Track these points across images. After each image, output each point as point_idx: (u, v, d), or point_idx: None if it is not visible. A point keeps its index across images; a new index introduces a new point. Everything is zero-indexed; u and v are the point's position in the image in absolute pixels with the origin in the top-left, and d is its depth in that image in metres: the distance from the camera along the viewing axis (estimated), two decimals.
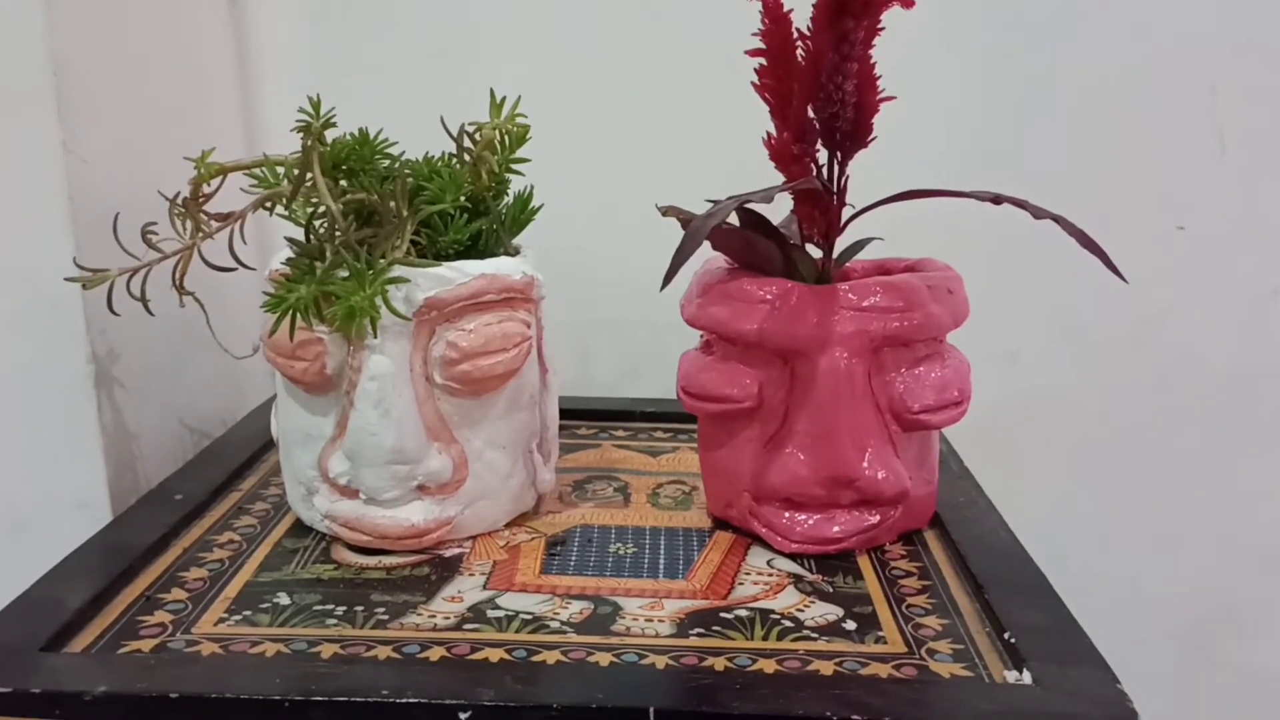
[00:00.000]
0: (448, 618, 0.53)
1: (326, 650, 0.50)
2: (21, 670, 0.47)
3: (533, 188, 0.64)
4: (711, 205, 0.55)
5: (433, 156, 0.64)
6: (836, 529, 0.60)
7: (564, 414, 0.69)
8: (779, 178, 0.60)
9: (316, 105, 0.59)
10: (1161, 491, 0.92)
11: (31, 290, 0.68)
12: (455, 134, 0.63)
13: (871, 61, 0.55)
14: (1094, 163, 0.86)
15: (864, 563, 0.60)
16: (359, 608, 0.54)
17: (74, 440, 0.70)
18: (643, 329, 0.91)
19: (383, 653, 0.49)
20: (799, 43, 0.56)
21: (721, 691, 0.46)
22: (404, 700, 0.45)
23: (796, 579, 0.58)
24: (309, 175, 0.59)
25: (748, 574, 0.59)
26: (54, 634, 0.50)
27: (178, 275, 0.64)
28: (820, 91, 0.55)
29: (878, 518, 0.60)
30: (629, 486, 0.71)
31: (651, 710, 0.44)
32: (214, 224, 0.62)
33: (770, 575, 0.59)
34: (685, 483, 0.72)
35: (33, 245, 0.68)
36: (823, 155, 0.58)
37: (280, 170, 0.62)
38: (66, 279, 0.61)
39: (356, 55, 0.89)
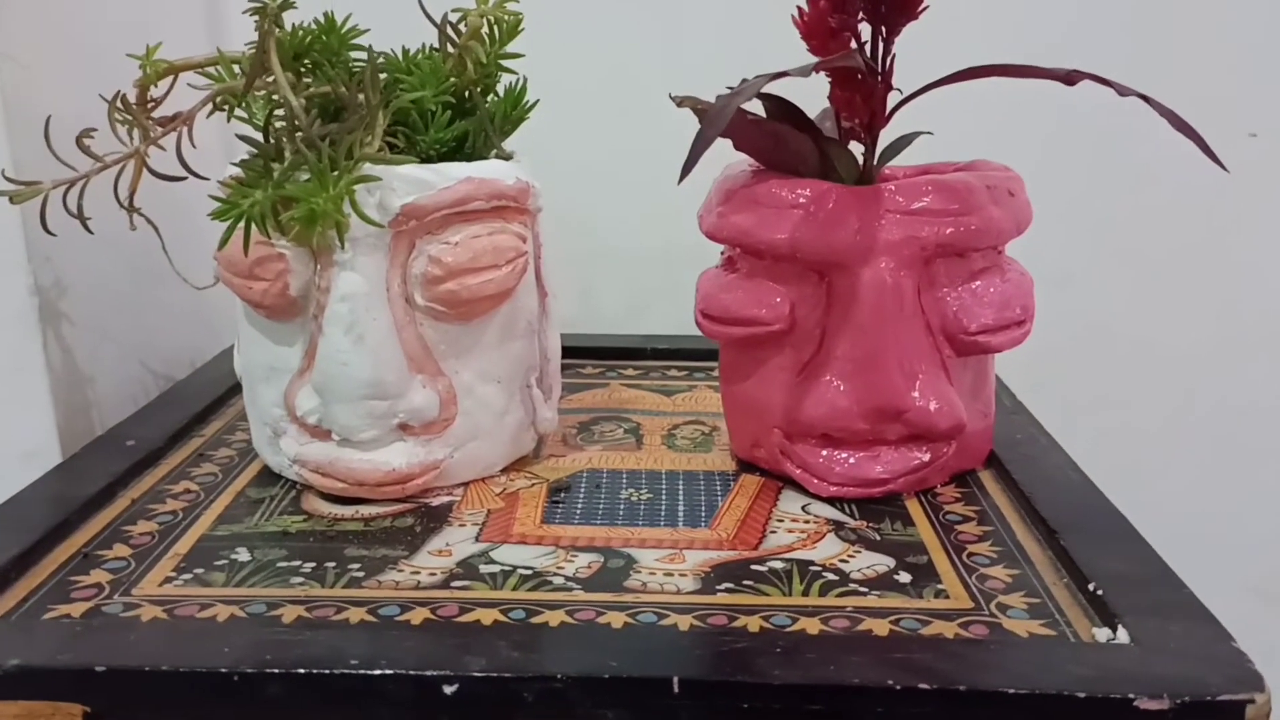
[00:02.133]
0: (433, 574, 0.46)
1: (289, 614, 0.42)
2: None
3: (525, 81, 0.56)
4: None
5: (411, 50, 0.55)
6: (880, 469, 0.52)
7: (566, 352, 0.61)
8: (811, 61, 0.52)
9: None
10: (1230, 429, 0.84)
11: None
12: (437, 22, 0.55)
13: None
14: (1157, 60, 0.77)
15: (913, 507, 0.52)
16: (330, 564, 0.46)
17: (17, 383, 0.62)
18: (652, 258, 0.82)
19: (355, 615, 0.42)
20: None
21: (759, 657, 0.38)
22: (376, 672, 0.37)
23: (837, 526, 0.50)
24: (266, 69, 0.51)
25: (780, 521, 0.51)
26: None
27: (128, 191, 0.56)
28: None
29: (928, 455, 0.52)
30: (641, 428, 0.63)
31: (675, 680, 0.37)
32: (159, 129, 0.54)
33: (807, 522, 0.51)
34: (704, 423, 0.64)
35: None
36: (864, 31, 0.50)
37: (236, 67, 0.54)
38: None
39: None
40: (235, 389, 0.67)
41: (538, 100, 0.56)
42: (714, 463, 0.58)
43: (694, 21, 0.80)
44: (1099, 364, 0.84)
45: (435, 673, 0.37)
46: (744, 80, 0.46)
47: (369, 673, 0.37)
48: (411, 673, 0.37)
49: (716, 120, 0.43)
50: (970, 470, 0.56)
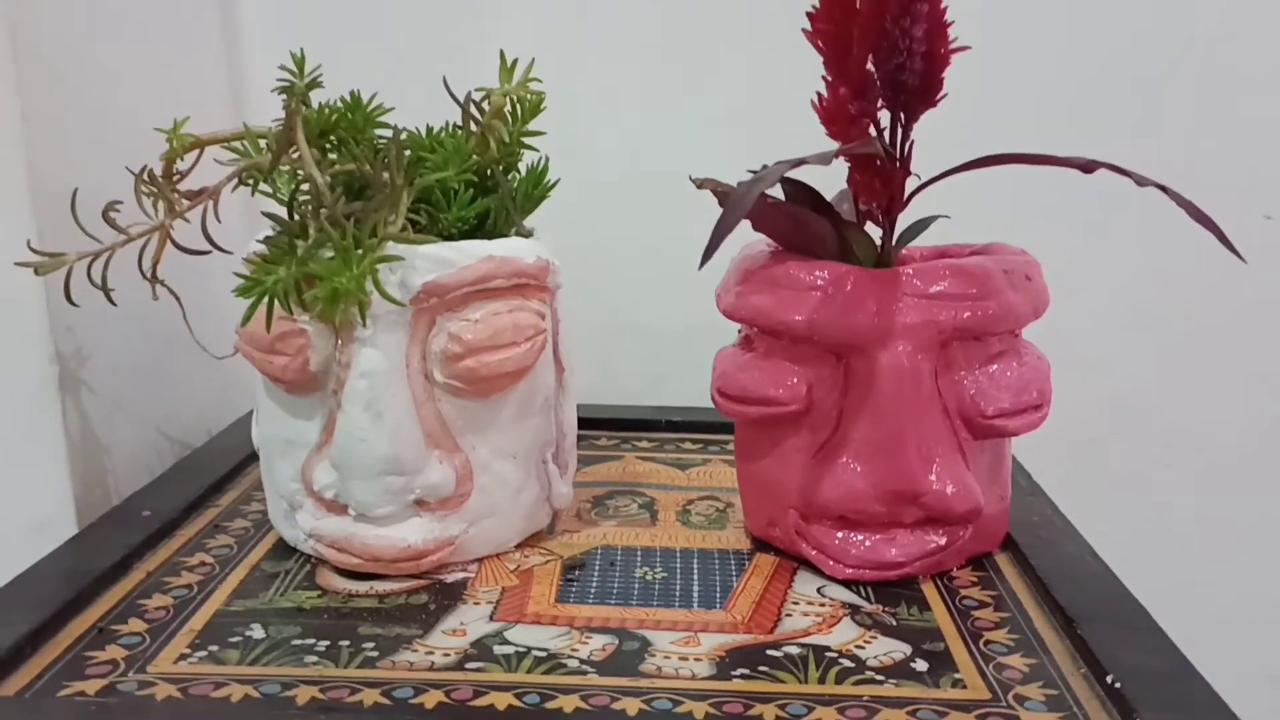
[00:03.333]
0: (447, 655, 0.45)
1: (303, 695, 0.42)
2: None
3: (547, 160, 0.56)
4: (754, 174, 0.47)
5: (435, 129, 0.56)
6: (896, 552, 0.52)
7: (582, 423, 0.61)
8: (830, 146, 0.52)
9: (300, 62, 0.51)
10: (1252, 514, 0.83)
11: None
12: (461, 100, 0.56)
13: (943, 4, 0.47)
14: (1174, 144, 0.77)
15: (929, 590, 0.52)
16: (344, 642, 0.46)
17: (34, 451, 0.63)
18: (670, 330, 0.83)
19: (369, 697, 0.42)
20: None
21: None
22: None
23: (853, 609, 0.50)
24: (292, 145, 0.51)
25: (795, 603, 0.51)
26: None
27: (150, 262, 0.56)
28: (884, 39, 0.47)
29: (944, 539, 0.52)
30: (656, 503, 0.63)
31: None
32: (185, 202, 0.54)
33: (822, 605, 0.51)
34: (719, 499, 0.64)
35: None
36: (884, 117, 0.50)
37: (263, 143, 0.55)
38: (18, 264, 0.53)
39: (351, 12, 0.81)
40: (251, 458, 0.67)
41: (559, 179, 0.57)
42: (728, 541, 0.58)
43: (715, 99, 0.81)
44: (1118, 445, 0.83)
45: None
46: (765, 166, 0.47)
47: None
48: None
49: (738, 207, 0.43)
50: (987, 553, 0.56)
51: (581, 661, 0.45)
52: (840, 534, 0.52)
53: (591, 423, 0.73)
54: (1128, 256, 0.76)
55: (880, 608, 0.50)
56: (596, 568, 0.54)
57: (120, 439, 0.68)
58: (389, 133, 0.54)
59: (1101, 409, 0.81)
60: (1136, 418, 0.83)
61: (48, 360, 0.62)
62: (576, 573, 0.54)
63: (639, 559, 0.55)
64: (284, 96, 0.51)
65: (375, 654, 0.45)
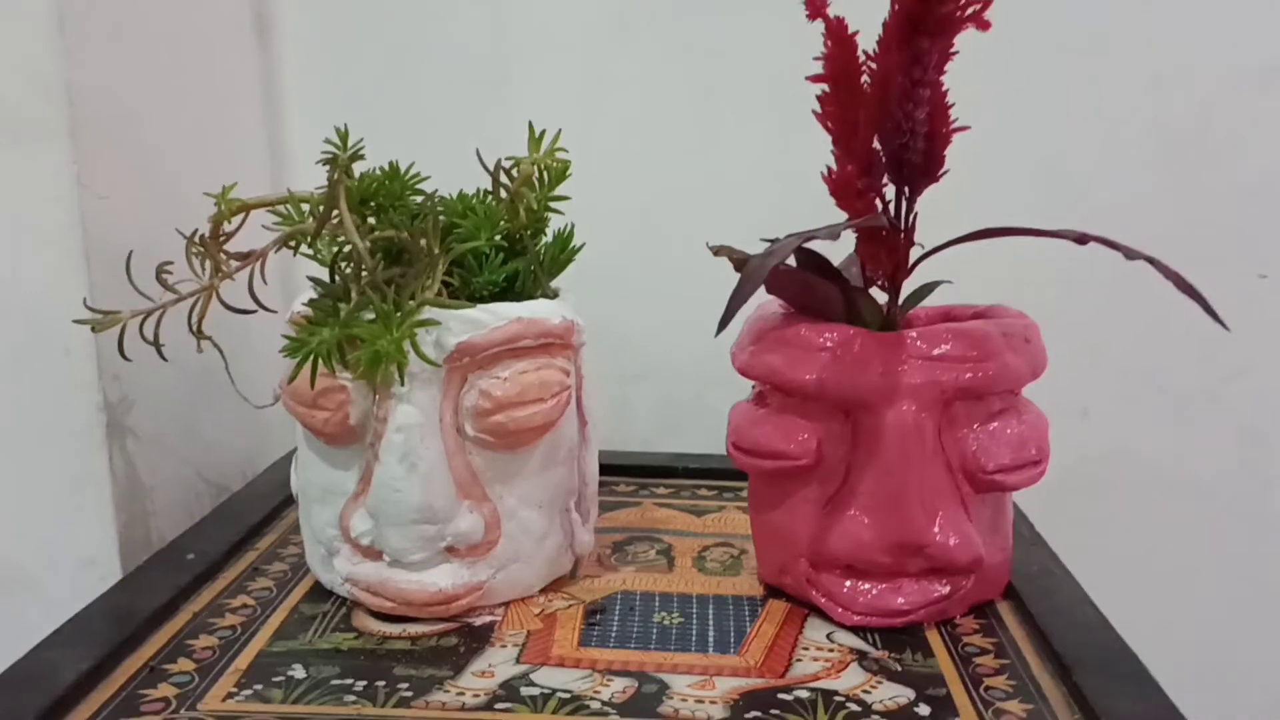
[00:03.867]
0: (477, 695, 0.48)
1: None
2: None
3: (573, 226, 0.60)
4: (768, 244, 0.50)
5: (467, 193, 0.60)
6: (902, 600, 0.55)
7: (602, 469, 0.64)
8: (837, 215, 0.55)
9: (344, 136, 0.55)
10: (1252, 561, 0.86)
11: (41, 333, 0.65)
12: (491, 169, 0.59)
13: (944, 88, 0.51)
14: (1171, 206, 0.81)
15: (933, 637, 0.55)
16: (380, 683, 0.49)
17: (83, 493, 0.66)
18: (685, 380, 0.86)
19: None
20: (865, 66, 0.51)
21: None
22: None
23: (860, 655, 0.53)
24: (335, 211, 0.55)
25: (806, 649, 0.53)
26: (46, 709, 0.45)
27: (195, 318, 0.60)
28: (888, 120, 0.50)
29: (948, 588, 0.55)
30: (672, 549, 0.66)
31: None
32: (233, 264, 0.58)
33: (831, 650, 0.53)
34: (733, 545, 0.66)
35: (44, 285, 0.64)
36: (889, 191, 0.54)
37: (305, 207, 0.58)
38: (76, 321, 0.57)
39: (388, 86, 0.86)
40: (286, 503, 0.70)
41: (584, 244, 0.60)
42: (742, 587, 0.61)
43: (730, 165, 0.84)
44: (1119, 493, 0.86)
45: None
46: (777, 239, 0.50)
47: None
48: None
49: (752, 279, 0.46)
50: (989, 601, 0.58)
51: (603, 703, 0.48)
52: (848, 582, 0.55)
53: (611, 469, 0.76)
54: (1124, 316, 0.79)
55: (886, 654, 0.53)
56: (617, 612, 0.57)
57: (161, 481, 0.71)
58: (424, 198, 0.57)
59: (1100, 459, 0.84)
60: (1135, 468, 0.85)
61: (96, 408, 0.66)
62: (598, 617, 0.57)
63: (657, 604, 0.58)
64: (328, 167, 0.55)
65: (410, 694, 0.48)
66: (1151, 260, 0.49)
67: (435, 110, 0.85)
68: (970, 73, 0.52)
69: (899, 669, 0.51)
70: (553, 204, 0.60)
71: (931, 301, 0.59)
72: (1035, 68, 0.81)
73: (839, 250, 0.57)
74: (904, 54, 0.48)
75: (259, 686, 0.49)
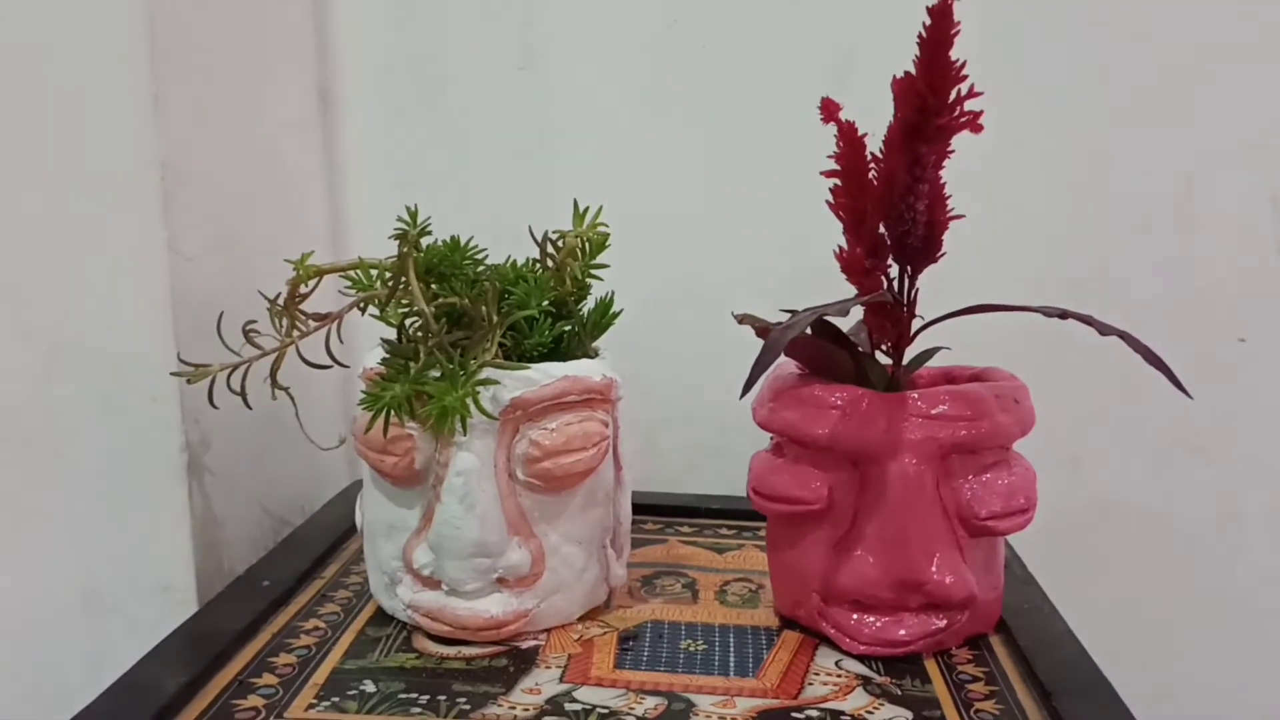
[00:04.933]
0: (527, 709, 0.55)
1: None
2: None
3: (614, 294, 0.67)
4: (788, 315, 0.58)
5: (516, 261, 0.67)
6: (903, 632, 0.61)
7: (633, 509, 0.71)
8: (847, 286, 0.63)
9: (414, 214, 0.62)
10: (1230, 604, 0.92)
11: (131, 381, 0.72)
12: (539, 240, 0.67)
13: (941, 182, 0.58)
14: (1155, 275, 0.88)
15: (930, 666, 0.61)
16: (441, 697, 0.56)
17: (163, 525, 0.73)
18: (706, 425, 0.93)
19: None
20: (872, 165, 0.59)
21: None
22: None
23: (865, 680, 0.59)
24: (404, 279, 0.62)
25: (817, 674, 0.60)
26: (154, 715, 0.52)
27: (273, 370, 0.67)
28: (892, 210, 0.57)
29: (944, 622, 0.61)
30: (697, 583, 0.72)
31: None
32: (312, 323, 0.65)
33: (839, 676, 0.60)
34: (751, 580, 0.73)
35: (135, 338, 0.72)
36: (893, 269, 0.61)
37: (374, 273, 0.65)
38: (172, 374, 0.64)
39: (439, 160, 0.93)
40: (345, 535, 0.77)
41: (623, 310, 0.67)
42: (760, 619, 0.67)
43: (750, 234, 0.92)
44: (1107, 538, 0.93)
45: None
46: (795, 311, 0.57)
47: None
48: None
49: (773, 349, 0.53)
50: (982, 634, 0.65)
51: (638, 718, 0.54)
52: (855, 616, 0.62)
53: (640, 508, 0.82)
54: (1109, 375, 0.86)
55: (889, 680, 0.59)
56: (647, 639, 0.64)
57: (233, 516, 0.78)
58: (482, 267, 0.65)
59: (1090, 506, 0.91)
60: (1121, 514, 0.92)
61: (179, 449, 0.73)
62: (631, 643, 0.63)
63: (683, 632, 0.65)
64: (398, 241, 0.62)
65: (468, 707, 0.55)
66: (1123, 335, 0.56)
67: (480, 180, 0.93)
68: (965, 162, 0.59)
69: (899, 693, 0.58)
70: (594, 271, 0.68)
71: (933, 364, 0.66)
72: (1025, 155, 0.88)
73: (848, 319, 0.64)
74: (906, 156, 0.55)
75: (336, 698, 0.55)
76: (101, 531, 0.74)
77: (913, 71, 0.54)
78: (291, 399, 0.69)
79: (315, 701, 0.55)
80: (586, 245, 0.67)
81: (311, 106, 0.93)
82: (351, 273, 0.67)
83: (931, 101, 0.53)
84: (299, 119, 0.91)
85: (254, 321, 0.66)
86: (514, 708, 0.55)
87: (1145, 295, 0.85)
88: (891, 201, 0.57)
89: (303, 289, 0.67)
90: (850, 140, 0.58)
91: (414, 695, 0.56)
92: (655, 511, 0.85)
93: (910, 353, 0.63)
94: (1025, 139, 0.87)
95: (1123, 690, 0.57)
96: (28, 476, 0.73)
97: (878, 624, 0.61)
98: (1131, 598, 0.92)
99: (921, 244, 0.58)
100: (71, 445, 0.73)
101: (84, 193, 0.70)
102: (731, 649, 0.63)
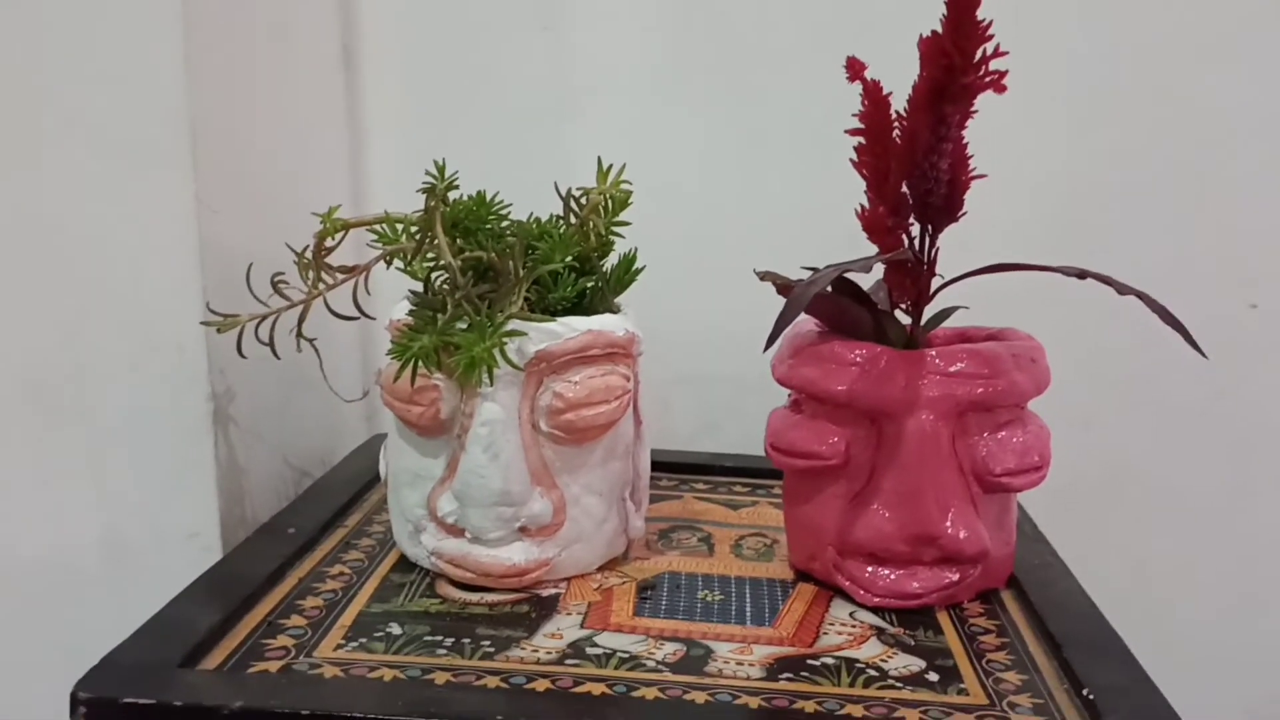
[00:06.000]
0: (550, 653, 0.56)
1: (440, 677, 0.53)
2: (162, 685, 0.50)
3: (636, 250, 0.68)
4: (810, 272, 0.58)
5: (539, 218, 0.68)
6: (917, 585, 0.62)
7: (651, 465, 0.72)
8: (867, 245, 0.63)
9: (441, 169, 0.63)
10: (1236, 564, 0.93)
11: (159, 332, 0.73)
12: (564, 196, 0.68)
13: (964, 141, 0.58)
14: (1171, 239, 0.88)
15: (943, 619, 0.62)
16: (465, 640, 0.57)
17: (190, 474, 0.75)
18: (723, 385, 0.94)
19: (492, 682, 0.53)
20: (896, 124, 0.59)
21: None
22: None
23: (879, 631, 0.61)
24: (431, 233, 0.63)
25: (831, 624, 0.61)
26: (188, 653, 0.54)
27: (300, 322, 0.68)
28: (915, 169, 0.58)
29: (957, 576, 0.62)
30: (712, 537, 0.74)
31: None
32: (339, 275, 0.66)
33: (853, 626, 0.61)
34: (766, 535, 0.74)
35: (163, 290, 0.73)
36: (914, 228, 0.62)
37: (399, 227, 0.66)
38: (203, 323, 0.65)
39: (461, 118, 0.94)
40: (368, 486, 0.79)
41: (645, 265, 0.68)
42: (775, 571, 0.68)
43: (773, 194, 0.93)
44: (1117, 499, 0.94)
45: None
46: (817, 269, 0.58)
47: None
48: None
49: (796, 305, 0.54)
50: (994, 589, 0.66)
51: (657, 662, 0.56)
52: (870, 568, 0.63)
53: (656, 465, 0.83)
54: (1124, 338, 0.87)
55: (902, 630, 0.61)
56: (665, 589, 0.65)
57: (256, 465, 0.79)
58: (506, 223, 0.65)
59: (1100, 467, 0.92)
60: (1131, 475, 0.93)
61: (205, 399, 0.74)
62: (649, 592, 0.65)
63: (700, 583, 0.66)
64: (425, 195, 0.63)
65: (492, 650, 0.56)
66: (1140, 295, 0.57)
67: (502, 138, 0.93)
68: (988, 122, 0.60)
69: (912, 643, 0.59)
70: (616, 229, 0.68)
71: (950, 324, 0.67)
72: (1043, 118, 0.89)
73: (867, 277, 0.65)
74: (930, 115, 0.56)
75: (363, 639, 0.57)
76: (127, 479, 0.75)
77: (939, 31, 0.54)
78: (316, 351, 0.70)
79: (343, 642, 0.57)
80: (609, 202, 0.68)
81: (336, 64, 0.93)
82: (378, 227, 0.68)
83: (958, 60, 0.53)
84: (323, 77, 0.92)
85: (282, 273, 0.67)
86: (537, 650, 0.56)
87: (1159, 261, 0.85)
88: (914, 160, 0.58)
89: (329, 242, 0.68)
90: (875, 99, 0.59)
91: (439, 638, 0.57)
92: (671, 469, 0.86)
93: (929, 311, 0.64)
94: (1048, 99, 0.88)
95: (1127, 641, 0.58)
96: (56, 425, 0.75)
97: (892, 577, 0.62)
98: (1140, 559, 0.94)
99: (943, 203, 0.59)
100: (100, 395, 0.74)
101: (116, 149, 0.71)
102: (748, 600, 0.64)
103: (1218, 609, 0.95)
